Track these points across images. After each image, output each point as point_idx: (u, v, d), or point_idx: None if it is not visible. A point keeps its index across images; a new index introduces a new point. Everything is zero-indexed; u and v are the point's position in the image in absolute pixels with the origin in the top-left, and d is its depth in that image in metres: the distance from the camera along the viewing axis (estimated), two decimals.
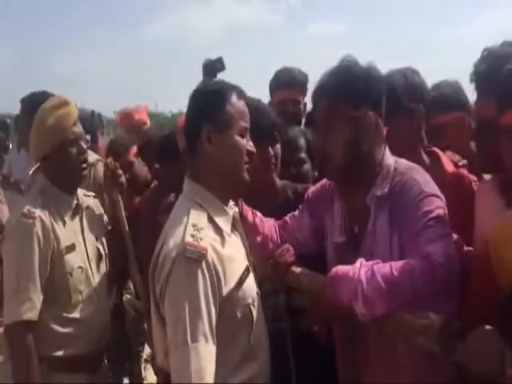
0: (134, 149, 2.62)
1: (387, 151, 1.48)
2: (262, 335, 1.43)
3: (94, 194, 2.03)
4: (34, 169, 1.89)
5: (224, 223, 1.38)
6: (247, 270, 1.38)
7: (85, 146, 1.82)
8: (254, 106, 1.59)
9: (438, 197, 1.38)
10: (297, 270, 1.48)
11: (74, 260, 1.76)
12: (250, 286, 1.38)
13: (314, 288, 1.42)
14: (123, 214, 2.01)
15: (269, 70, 2.78)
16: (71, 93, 1.96)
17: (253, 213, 1.64)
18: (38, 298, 1.67)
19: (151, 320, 1.38)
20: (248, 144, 1.39)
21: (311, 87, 2.51)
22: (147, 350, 2.77)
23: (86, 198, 1.93)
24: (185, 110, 1.50)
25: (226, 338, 1.30)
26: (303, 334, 1.57)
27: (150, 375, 2.86)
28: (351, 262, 1.35)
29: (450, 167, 1.71)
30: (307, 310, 1.52)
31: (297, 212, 1.65)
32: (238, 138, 1.37)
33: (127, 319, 2.50)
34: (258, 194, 1.74)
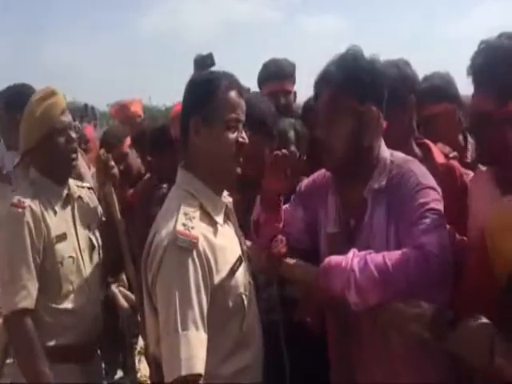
0: (128, 140, 2.61)
1: (383, 144, 1.49)
2: (255, 324, 1.43)
3: (88, 185, 2.02)
4: (17, 161, 1.88)
5: (216, 213, 1.38)
6: (239, 260, 1.38)
7: (74, 135, 1.81)
8: (250, 98, 1.60)
9: (434, 189, 1.39)
10: (290, 261, 1.48)
11: (65, 250, 1.76)
12: (243, 275, 1.38)
13: (307, 278, 1.42)
14: (116, 206, 2.00)
15: None
16: (63, 86, 1.95)
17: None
18: (33, 286, 1.67)
19: (144, 310, 1.38)
20: (240, 136, 1.38)
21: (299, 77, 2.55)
22: (141, 342, 2.77)
23: (78, 188, 1.92)
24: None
25: (218, 327, 1.31)
26: (296, 325, 1.57)
27: (143, 368, 2.87)
28: (344, 253, 1.35)
29: (440, 159, 1.72)
30: (300, 301, 1.52)
31: (289, 205, 1.65)
32: (226, 129, 1.36)
33: (120, 311, 2.50)
34: (254, 186, 1.74)
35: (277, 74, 2.50)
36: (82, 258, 1.81)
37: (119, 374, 2.95)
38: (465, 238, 1.47)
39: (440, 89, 2.09)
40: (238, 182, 1.50)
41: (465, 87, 1.93)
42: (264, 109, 1.76)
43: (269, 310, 1.60)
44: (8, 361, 1.72)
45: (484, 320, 1.15)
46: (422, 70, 2.14)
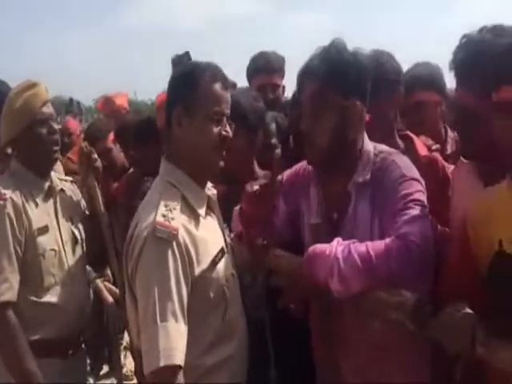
0: (112, 135, 2.59)
1: (366, 137, 1.49)
2: (238, 317, 1.43)
3: (71, 178, 2.00)
4: None
5: (199, 204, 1.37)
6: (222, 252, 1.37)
7: (56, 127, 1.79)
8: (235, 93, 1.59)
9: (418, 181, 1.40)
10: (275, 251, 1.48)
11: (47, 242, 1.74)
12: (225, 267, 1.37)
13: (291, 268, 1.42)
14: (99, 199, 1.99)
15: None
16: (47, 80, 1.93)
17: None
18: (15, 279, 1.65)
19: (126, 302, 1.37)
20: (224, 129, 1.37)
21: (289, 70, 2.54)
22: (127, 337, 2.75)
23: (61, 181, 1.90)
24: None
25: (199, 318, 1.30)
26: (282, 320, 1.57)
27: (129, 363, 2.86)
28: (327, 243, 1.35)
29: (423, 151, 1.73)
30: (284, 288, 1.52)
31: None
32: (209, 122, 1.34)
33: (105, 306, 2.49)
34: (238, 180, 1.73)
35: (265, 68, 2.50)
36: (64, 251, 1.80)
37: (105, 369, 2.93)
38: (447, 229, 1.48)
39: (431, 77, 2.09)
40: (222, 174, 1.49)
41: (448, 81, 1.95)
42: (245, 103, 1.75)
43: (256, 307, 1.60)
44: None
45: (465, 309, 1.17)
46: (409, 63, 2.15)
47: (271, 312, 1.60)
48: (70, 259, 1.81)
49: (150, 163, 1.99)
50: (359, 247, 1.31)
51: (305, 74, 1.46)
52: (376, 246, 1.30)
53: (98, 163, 2.00)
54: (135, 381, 2.42)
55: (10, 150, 1.83)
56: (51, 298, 1.73)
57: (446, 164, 1.69)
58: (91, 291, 2.25)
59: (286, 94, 2.60)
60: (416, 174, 1.41)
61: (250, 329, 1.49)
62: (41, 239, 1.72)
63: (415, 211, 1.33)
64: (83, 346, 1.90)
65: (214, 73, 1.37)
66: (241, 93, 1.83)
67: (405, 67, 1.87)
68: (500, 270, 1.17)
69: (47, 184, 1.82)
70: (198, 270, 1.29)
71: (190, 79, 1.36)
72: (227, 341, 1.36)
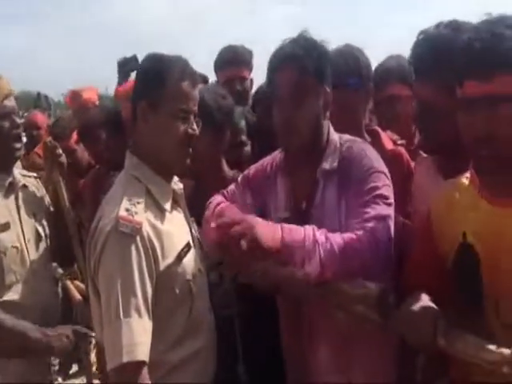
0: (75, 135, 2.55)
1: (331, 128, 1.50)
2: (205, 312, 1.43)
3: (35, 174, 1.95)
4: None
5: (164, 199, 1.36)
6: (188, 246, 1.36)
7: (19, 120, 1.74)
8: (202, 89, 1.57)
9: (385, 174, 1.42)
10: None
11: (8, 239, 1.69)
12: (191, 262, 1.37)
13: (269, 238, 1.33)
14: (64, 195, 1.95)
15: None
16: (13, 75, 1.88)
17: None
18: None
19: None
20: (190, 127, 1.35)
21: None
22: None
23: (24, 177, 1.85)
24: None
25: (165, 314, 1.29)
26: (251, 317, 1.57)
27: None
28: None
29: (389, 145, 1.76)
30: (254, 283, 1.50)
31: (236, 191, 1.63)
32: (175, 120, 1.33)
33: (74, 304, 2.45)
34: (206, 179, 1.74)
35: (233, 61, 2.49)
36: (26, 248, 1.75)
37: (74, 368, 2.88)
38: (409, 222, 1.50)
39: (403, 70, 2.10)
40: (190, 171, 1.48)
41: None
42: (211, 101, 1.72)
43: (223, 304, 1.59)
44: None
45: (428, 301, 1.18)
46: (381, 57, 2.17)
47: (239, 309, 1.59)
48: (32, 256, 1.77)
49: (118, 156, 1.96)
50: (334, 236, 1.31)
51: (283, 64, 1.44)
52: (347, 236, 1.31)
53: (63, 158, 1.96)
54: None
55: None
56: (13, 295, 1.68)
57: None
58: (59, 289, 2.21)
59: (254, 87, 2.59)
60: (383, 166, 1.43)
61: (218, 326, 1.48)
62: (2, 236, 1.68)
63: (382, 208, 1.35)
64: None
65: (182, 69, 1.35)
66: (206, 90, 1.80)
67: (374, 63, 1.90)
68: (464, 261, 1.19)
69: (9, 180, 1.76)
70: (163, 265, 1.28)
71: (158, 74, 1.34)
72: (194, 336, 1.36)
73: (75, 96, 3.35)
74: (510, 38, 1.05)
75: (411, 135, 2.10)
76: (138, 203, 1.28)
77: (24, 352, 1.54)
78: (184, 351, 1.33)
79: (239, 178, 1.63)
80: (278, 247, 1.28)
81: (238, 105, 2.05)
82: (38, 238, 1.81)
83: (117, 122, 2.11)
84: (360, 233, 1.31)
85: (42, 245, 1.82)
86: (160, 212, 1.34)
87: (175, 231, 1.35)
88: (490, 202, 1.16)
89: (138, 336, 1.20)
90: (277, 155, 1.58)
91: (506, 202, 1.14)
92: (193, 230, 1.47)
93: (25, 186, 1.82)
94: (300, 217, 1.46)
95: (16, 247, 1.71)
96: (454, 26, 1.34)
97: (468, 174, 1.23)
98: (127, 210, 1.25)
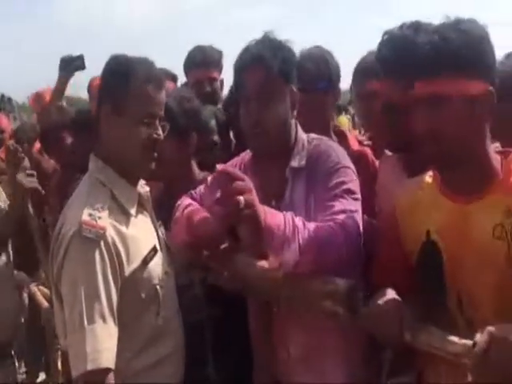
0: (38, 144, 2.49)
1: (299, 127, 1.52)
2: (173, 316, 1.41)
3: None
4: None
5: (128, 203, 1.34)
6: (154, 250, 1.35)
7: None
8: (169, 93, 1.56)
9: (352, 170, 1.43)
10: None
11: None
12: (157, 266, 1.35)
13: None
14: (27, 200, 1.90)
15: None
16: None
17: None
18: None
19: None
20: (154, 132, 1.33)
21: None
22: None
23: None
24: None
25: (132, 319, 1.28)
26: (221, 320, 1.56)
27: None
28: None
29: (355, 145, 1.79)
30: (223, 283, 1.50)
31: (205, 191, 1.61)
32: (138, 124, 1.30)
33: (41, 310, 2.39)
34: (175, 182, 1.72)
35: (202, 62, 2.47)
36: None
37: (41, 376, 2.82)
38: (374, 221, 1.52)
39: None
40: (158, 174, 1.45)
41: None
42: (174, 106, 1.69)
43: (193, 307, 1.58)
44: None
45: (394, 297, 1.20)
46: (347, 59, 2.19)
47: (209, 312, 1.58)
48: None
49: (84, 158, 1.93)
50: (310, 224, 1.30)
51: (250, 64, 1.44)
52: (322, 226, 1.31)
53: (26, 162, 1.91)
54: None
55: None
56: None
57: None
58: (25, 296, 2.16)
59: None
60: (350, 162, 1.45)
61: (188, 329, 1.47)
62: None
63: (350, 202, 1.36)
64: (13, 353, 1.82)
65: (147, 72, 1.33)
66: (170, 95, 1.79)
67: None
68: (428, 259, 1.21)
69: None
70: (128, 270, 1.27)
71: (123, 77, 1.31)
72: (162, 341, 1.34)
73: (39, 98, 3.27)
74: (455, 41, 1.09)
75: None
76: (102, 208, 1.26)
77: None
78: (153, 356, 1.32)
79: (208, 179, 1.62)
80: (262, 228, 1.25)
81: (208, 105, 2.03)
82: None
83: (82, 123, 2.08)
84: (331, 224, 1.31)
85: (3, 252, 1.77)
86: (125, 216, 1.32)
87: (141, 235, 1.33)
88: (450, 199, 1.19)
89: (103, 342, 1.18)
90: (246, 155, 1.59)
91: (466, 198, 1.16)
92: (160, 234, 1.46)
93: None
94: None
95: None
96: (416, 27, 1.38)
97: (431, 172, 1.26)
98: (90, 214, 1.23)
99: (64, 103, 3.44)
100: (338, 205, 1.34)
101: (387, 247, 1.33)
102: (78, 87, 3.55)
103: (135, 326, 1.29)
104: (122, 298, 1.25)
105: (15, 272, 2.04)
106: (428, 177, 1.26)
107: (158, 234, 1.44)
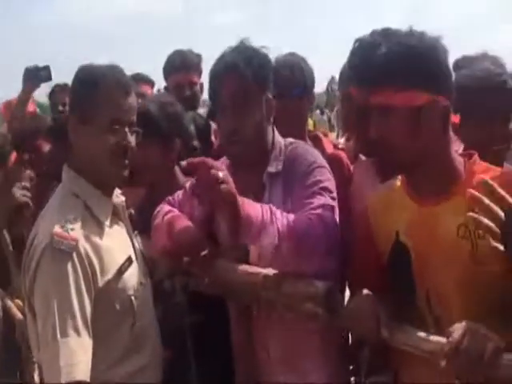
0: (13, 156, 2.44)
1: (276, 132, 1.54)
2: (150, 326, 1.40)
3: None
4: None
5: (102, 214, 1.33)
6: (129, 261, 1.34)
7: None
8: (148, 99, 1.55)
9: (328, 170, 1.46)
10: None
11: None
12: (132, 276, 1.34)
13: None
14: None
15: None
16: None
17: None
18: None
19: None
20: (124, 138, 1.31)
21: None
22: None
23: None
24: None
25: (106, 331, 1.27)
26: (204, 326, 1.55)
27: None
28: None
29: (330, 149, 1.83)
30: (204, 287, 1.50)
31: (183, 197, 1.61)
32: (104, 131, 1.29)
33: (16, 323, 2.35)
34: (159, 188, 1.72)
35: (181, 66, 2.48)
36: None
37: None
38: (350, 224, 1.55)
39: None
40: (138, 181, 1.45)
41: None
42: (156, 112, 1.71)
43: (177, 315, 1.58)
44: None
45: (371, 296, 1.23)
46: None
47: (191, 318, 1.58)
48: None
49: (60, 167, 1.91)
50: (289, 214, 1.31)
51: (225, 73, 1.44)
52: (299, 217, 1.31)
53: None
54: None
55: None
56: None
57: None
58: None
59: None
60: (325, 163, 1.48)
61: (170, 336, 1.47)
62: None
63: (327, 199, 1.38)
64: None
65: (113, 79, 1.31)
66: (152, 101, 1.79)
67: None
68: (397, 258, 1.25)
69: None
70: (102, 281, 1.25)
71: (88, 86, 1.31)
72: (138, 352, 1.33)
73: (10, 106, 3.21)
74: (396, 54, 1.15)
75: None
76: (75, 219, 1.25)
77: None
78: (129, 366, 1.31)
79: (187, 185, 1.62)
80: (240, 216, 1.24)
81: (188, 110, 2.04)
82: None
83: (59, 131, 2.05)
84: (310, 216, 1.32)
85: None
86: (99, 227, 1.30)
87: (115, 246, 1.32)
88: (416, 201, 1.24)
89: (77, 355, 1.17)
90: (224, 161, 1.59)
91: (430, 200, 1.21)
92: (135, 244, 1.45)
93: None
94: None
95: None
96: (385, 34, 1.42)
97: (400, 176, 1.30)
98: (62, 226, 1.22)
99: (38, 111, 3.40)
100: (316, 201, 1.36)
101: (361, 248, 1.36)
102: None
103: (111, 337, 1.28)
104: (96, 309, 1.23)
105: None
106: (397, 182, 1.31)
107: (133, 245, 1.43)
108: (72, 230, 1.22)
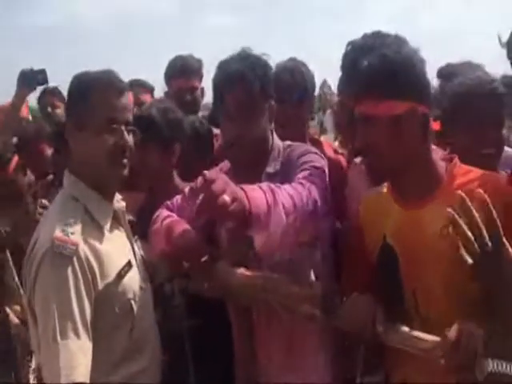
0: (14, 161, 2.44)
1: (275, 135, 1.57)
2: (149, 330, 1.41)
3: None
4: None
5: (102, 218, 1.34)
6: (128, 265, 1.35)
7: None
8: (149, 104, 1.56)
9: (319, 155, 1.50)
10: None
11: None
12: (132, 280, 1.35)
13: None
14: None
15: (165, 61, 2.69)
16: None
17: None
18: None
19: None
20: (121, 138, 1.32)
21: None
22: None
23: None
24: None
25: (105, 334, 1.28)
26: (203, 330, 1.58)
27: None
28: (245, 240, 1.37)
29: (330, 153, 1.86)
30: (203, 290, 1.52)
31: (184, 204, 1.62)
32: (100, 132, 1.30)
33: (13, 328, 2.34)
34: (158, 193, 1.74)
35: (182, 71, 2.51)
36: None
37: None
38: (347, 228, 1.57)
39: None
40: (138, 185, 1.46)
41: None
42: (157, 117, 1.73)
43: (177, 318, 1.60)
44: None
45: (366, 295, 1.26)
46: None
47: (191, 322, 1.60)
48: None
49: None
50: (283, 185, 1.33)
51: (231, 82, 1.46)
52: (292, 185, 1.34)
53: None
54: None
55: None
56: None
57: None
58: None
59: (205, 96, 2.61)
60: (320, 153, 1.51)
61: (169, 339, 1.47)
62: None
63: (314, 172, 1.41)
64: None
65: (105, 81, 1.33)
66: (153, 106, 1.81)
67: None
68: (385, 260, 1.29)
69: None
70: (102, 285, 1.26)
71: (82, 91, 1.33)
72: (137, 356, 1.34)
73: (1, 112, 3.19)
74: (375, 66, 1.20)
75: None
76: (75, 223, 1.26)
77: None
78: (127, 370, 1.31)
79: (186, 190, 1.64)
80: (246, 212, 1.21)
81: (189, 114, 2.06)
82: None
83: (62, 135, 2.07)
84: (301, 182, 1.36)
85: None
86: (99, 231, 1.32)
87: (115, 250, 1.33)
88: (401, 205, 1.29)
89: (77, 358, 1.18)
90: (223, 165, 1.61)
91: (414, 204, 1.26)
92: (135, 249, 1.46)
93: None
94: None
95: None
96: (375, 38, 1.46)
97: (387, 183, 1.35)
98: (63, 230, 1.23)
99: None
100: (305, 173, 1.40)
101: (355, 250, 1.39)
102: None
103: (110, 340, 1.29)
104: (96, 313, 1.24)
105: None
106: (385, 188, 1.35)
107: (133, 250, 1.44)
108: (72, 233, 1.24)
